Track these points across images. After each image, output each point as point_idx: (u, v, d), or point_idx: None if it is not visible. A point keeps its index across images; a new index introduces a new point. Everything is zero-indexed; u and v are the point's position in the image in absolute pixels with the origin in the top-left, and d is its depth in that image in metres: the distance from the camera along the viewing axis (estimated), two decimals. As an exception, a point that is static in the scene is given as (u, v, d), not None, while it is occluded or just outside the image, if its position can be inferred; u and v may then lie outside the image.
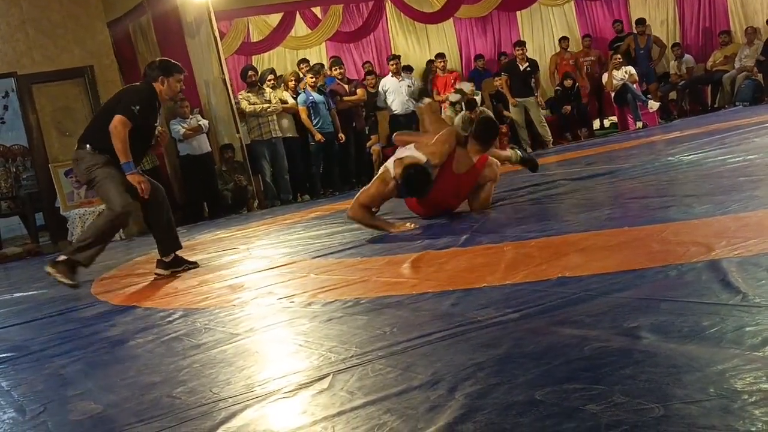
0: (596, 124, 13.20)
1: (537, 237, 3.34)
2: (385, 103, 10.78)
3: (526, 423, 1.34)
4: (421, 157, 4.54)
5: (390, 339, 2.09)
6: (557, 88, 12.48)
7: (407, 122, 9.94)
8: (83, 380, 2.37)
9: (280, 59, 12.39)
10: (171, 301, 3.64)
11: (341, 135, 10.22)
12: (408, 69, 11.60)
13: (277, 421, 1.67)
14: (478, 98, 10.54)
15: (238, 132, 9.99)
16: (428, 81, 12.12)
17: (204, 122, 9.68)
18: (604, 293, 2.11)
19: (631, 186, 4.66)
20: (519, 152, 5.60)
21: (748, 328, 1.60)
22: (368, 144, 10.93)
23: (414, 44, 13.58)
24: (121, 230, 8.72)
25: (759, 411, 1.21)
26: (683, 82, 12.81)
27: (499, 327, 2.00)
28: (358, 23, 13.09)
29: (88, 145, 4.47)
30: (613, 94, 12.13)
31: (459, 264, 3.12)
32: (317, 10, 12.70)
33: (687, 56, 13.11)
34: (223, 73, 10.01)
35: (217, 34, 10.09)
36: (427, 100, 5.37)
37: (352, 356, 1.99)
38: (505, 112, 11.59)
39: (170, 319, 3.13)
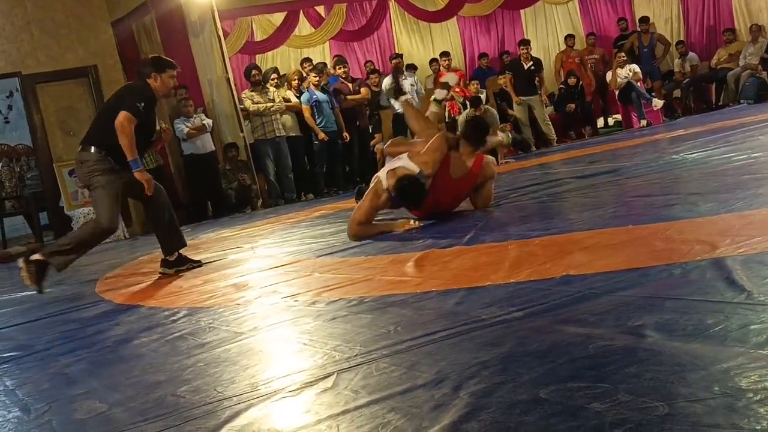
0: (600, 122, 13.18)
1: (541, 235, 3.33)
2: (388, 101, 10.77)
3: (530, 421, 1.34)
4: (414, 168, 4.51)
5: (394, 338, 2.09)
6: (561, 86, 12.46)
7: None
8: (88, 379, 2.38)
9: (283, 58, 12.40)
10: (175, 300, 3.64)
11: (346, 134, 10.21)
12: (412, 68, 11.59)
13: (282, 419, 1.67)
14: (482, 96, 10.52)
15: (241, 131, 9.98)
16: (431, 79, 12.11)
17: (208, 121, 9.68)
18: (609, 292, 2.10)
19: (635, 184, 4.65)
20: (510, 134, 5.60)
21: (752, 327, 1.60)
22: (372, 143, 10.91)
23: (417, 43, 13.59)
24: (124, 229, 8.77)
25: (764, 409, 1.20)
26: (687, 80, 12.78)
27: (504, 325, 2.00)
28: (362, 22, 13.09)
29: (92, 147, 4.45)
30: (617, 93, 12.11)
31: (463, 263, 3.12)
32: (321, 9, 12.70)
33: (691, 54, 13.07)
34: (227, 72, 10.00)
35: (220, 33, 10.08)
36: (403, 97, 5.38)
37: (356, 355, 1.99)
38: (510, 111, 11.58)
39: (174, 318, 3.14)
